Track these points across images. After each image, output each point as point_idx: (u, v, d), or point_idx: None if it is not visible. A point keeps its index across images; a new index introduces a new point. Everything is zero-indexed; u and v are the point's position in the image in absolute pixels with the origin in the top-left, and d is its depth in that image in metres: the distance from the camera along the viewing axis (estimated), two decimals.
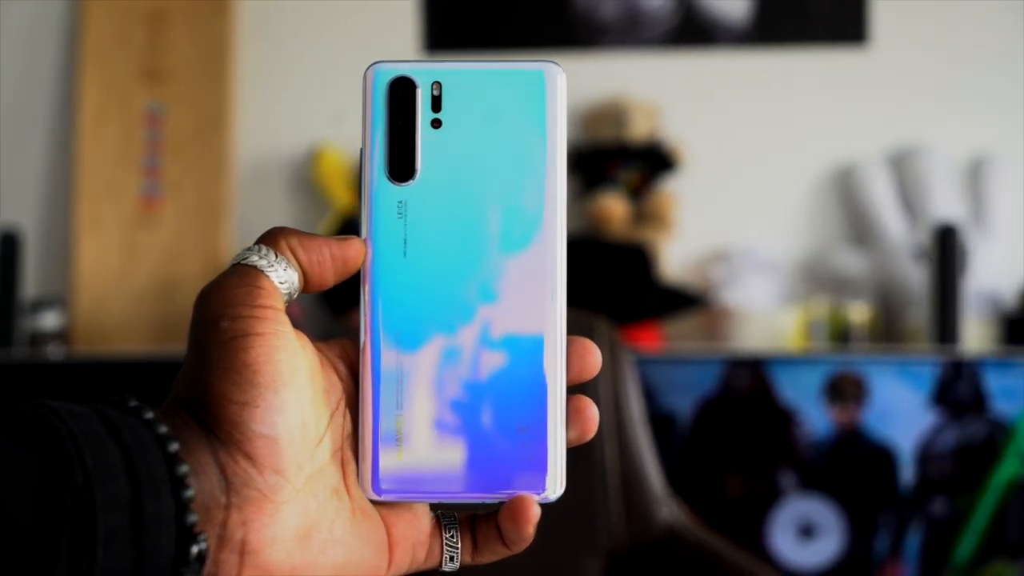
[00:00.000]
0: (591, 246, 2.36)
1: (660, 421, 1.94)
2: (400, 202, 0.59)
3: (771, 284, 2.57)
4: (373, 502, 0.58)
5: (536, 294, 0.59)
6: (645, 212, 2.55)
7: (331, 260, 0.58)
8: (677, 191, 2.59)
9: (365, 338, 0.59)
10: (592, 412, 0.60)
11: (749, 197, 2.68)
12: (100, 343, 2.55)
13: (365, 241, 0.59)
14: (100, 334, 2.56)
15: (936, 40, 2.66)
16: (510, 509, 0.58)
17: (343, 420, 0.59)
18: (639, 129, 2.57)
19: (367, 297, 0.59)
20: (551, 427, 0.59)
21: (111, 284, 2.59)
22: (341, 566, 0.56)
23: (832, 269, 2.58)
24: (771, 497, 1.97)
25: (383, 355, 0.58)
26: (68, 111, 2.69)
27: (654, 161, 2.56)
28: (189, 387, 0.55)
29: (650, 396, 1.94)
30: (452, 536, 0.60)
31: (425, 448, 0.58)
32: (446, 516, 0.61)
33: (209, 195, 2.62)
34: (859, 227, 2.61)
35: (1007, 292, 2.49)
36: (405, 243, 0.59)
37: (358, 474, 0.58)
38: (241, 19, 2.71)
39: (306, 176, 2.68)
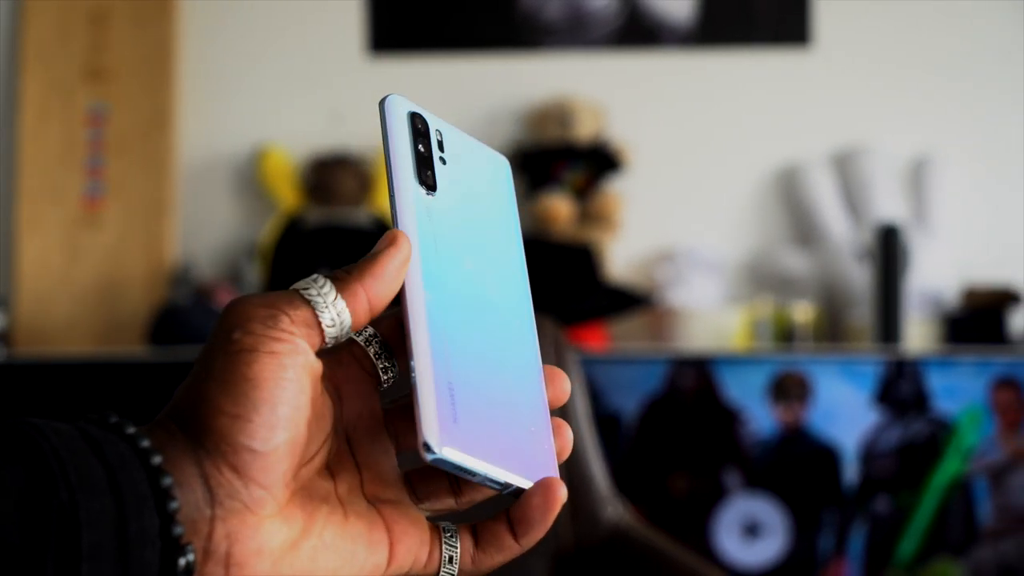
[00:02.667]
0: (536, 246, 2.36)
1: (605, 421, 1.94)
2: (428, 207, 0.61)
3: (716, 284, 2.58)
4: (436, 460, 0.57)
5: (526, 322, 0.63)
6: (590, 212, 2.56)
7: (398, 272, 0.58)
8: (622, 191, 2.60)
9: (410, 310, 0.58)
10: (569, 434, 0.61)
11: (694, 197, 2.69)
12: (42, 344, 2.53)
13: (404, 234, 0.59)
14: (42, 335, 2.54)
15: (878, 42, 2.68)
16: (541, 489, 0.58)
17: (333, 439, 0.58)
18: (584, 129, 2.57)
19: (411, 280, 0.59)
20: (551, 437, 0.61)
21: (53, 285, 2.56)
22: (333, 571, 0.55)
23: (776, 269, 2.59)
24: (716, 496, 1.97)
25: (432, 329, 0.58)
26: (9, 111, 2.66)
27: (599, 161, 2.57)
28: (187, 393, 0.54)
29: (595, 396, 1.95)
30: (451, 536, 0.59)
31: (473, 418, 0.58)
32: (443, 521, 0.60)
33: (153, 195, 2.60)
34: (803, 227, 2.63)
35: (949, 292, 2.51)
36: (436, 243, 0.60)
37: (419, 431, 0.55)
38: (185, 18, 2.70)
39: (251, 176, 2.66)
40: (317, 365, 0.56)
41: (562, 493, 0.59)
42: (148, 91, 2.63)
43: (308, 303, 0.55)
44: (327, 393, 0.59)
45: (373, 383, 0.60)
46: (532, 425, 0.60)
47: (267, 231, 2.59)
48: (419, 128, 0.62)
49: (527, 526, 0.59)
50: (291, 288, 0.56)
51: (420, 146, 0.62)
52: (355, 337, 0.60)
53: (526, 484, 0.59)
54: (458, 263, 0.61)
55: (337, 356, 0.60)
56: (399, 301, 0.59)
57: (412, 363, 0.57)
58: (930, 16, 2.67)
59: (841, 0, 2.68)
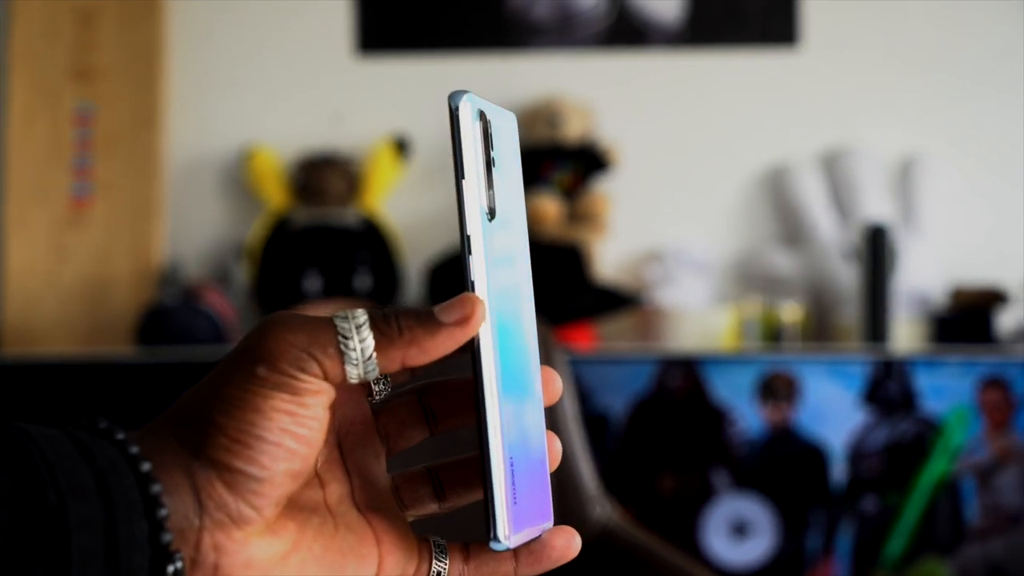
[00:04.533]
0: None
1: (594, 421, 1.94)
2: (491, 240, 0.55)
3: (704, 284, 2.59)
4: (499, 551, 0.56)
5: (534, 330, 0.60)
6: (579, 212, 2.56)
7: (451, 348, 0.55)
8: (610, 191, 2.60)
9: (483, 387, 0.55)
10: (558, 445, 0.61)
11: (682, 198, 2.69)
12: (29, 345, 2.52)
13: (482, 303, 0.55)
14: (29, 336, 2.53)
15: (866, 42, 2.69)
16: (564, 533, 0.58)
17: (323, 447, 0.57)
18: (572, 129, 2.57)
19: (478, 347, 0.55)
20: (547, 459, 0.60)
21: (41, 285, 2.56)
22: None
23: (764, 269, 2.59)
24: (704, 496, 1.98)
25: (499, 404, 0.55)
26: None
27: (587, 161, 2.56)
28: (192, 405, 0.53)
29: (584, 396, 1.95)
30: (441, 552, 0.59)
31: (523, 488, 0.57)
32: (434, 536, 0.60)
33: (140, 195, 2.59)
34: (791, 227, 2.63)
35: (936, 292, 2.52)
36: (495, 283, 0.56)
37: (494, 527, 0.55)
38: (172, 18, 2.69)
39: (239, 176, 2.66)
40: (333, 397, 0.55)
41: (579, 541, 0.59)
42: (136, 91, 2.63)
43: (340, 351, 0.53)
44: None
45: (364, 390, 0.59)
46: (539, 455, 0.59)
47: (255, 231, 2.58)
48: (486, 132, 0.56)
49: (537, 562, 0.58)
50: (329, 319, 0.54)
51: (486, 156, 0.56)
52: None
53: (546, 529, 0.59)
54: (512, 297, 0.58)
55: None
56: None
57: (484, 451, 0.55)
58: (918, 17, 2.67)
59: (829, 0, 2.68)
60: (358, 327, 0.53)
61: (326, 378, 0.53)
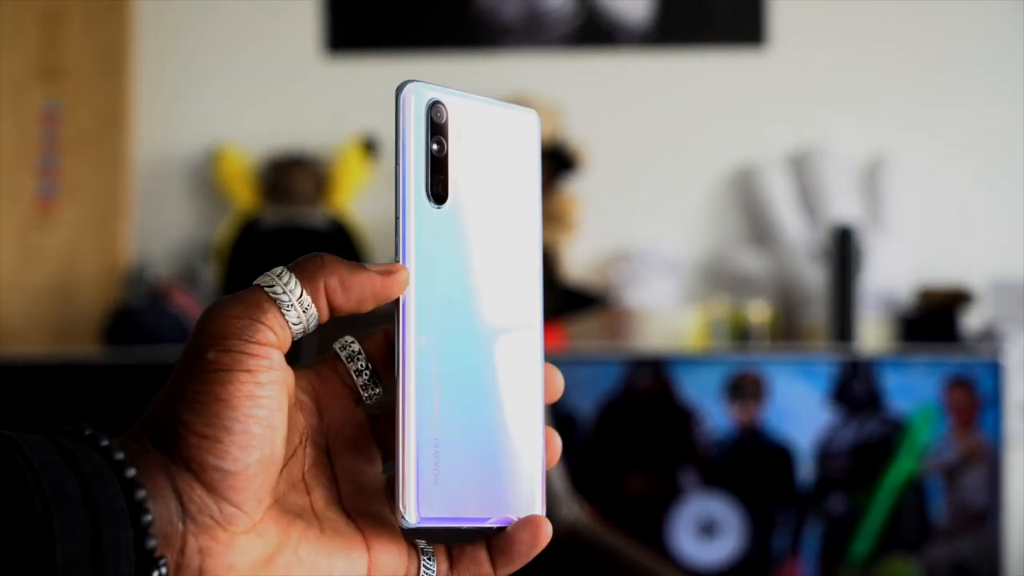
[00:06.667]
0: None
1: (562, 421, 1.94)
2: (435, 224, 0.58)
3: (672, 284, 2.59)
4: (410, 530, 0.57)
5: (531, 323, 0.62)
6: (547, 212, 2.56)
7: (373, 296, 0.56)
8: (579, 192, 2.60)
9: (401, 362, 0.56)
10: (558, 441, 0.62)
11: (650, 198, 2.70)
12: None
13: (406, 268, 0.57)
14: None
15: (834, 43, 2.70)
16: (528, 526, 0.59)
17: (306, 451, 0.58)
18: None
19: (402, 321, 0.57)
20: (540, 454, 0.60)
21: (7, 286, 2.54)
22: None
23: (732, 269, 2.60)
24: (672, 495, 1.98)
25: (421, 379, 0.56)
26: None
27: (556, 162, 2.56)
28: (159, 409, 0.54)
29: None
30: (429, 558, 0.59)
31: (455, 473, 0.57)
32: (420, 540, 0.60)
33: (107, 195, 2.58)
34: (759, 228, 2.64)
35: (903, 292, 2.53)
36: (440, 266, 0.58)
37: (396, 502, 0.56)
38: (139, 17, 2.68)
39: (206, 176, 2.65)
40: (291, 378, 0.56)
41: (547, 530, 0.59)
42: (102, 90, 2.62)
43: (274, 302, 0.55)
44: (301, 403, 0.58)
45: (353, 394, 0.60)
46: (523, 454, 0.59)
47: (223, 231, 2.58)
48: (437, 122, 0.58)
49: (509, 559, 0.59)
50: (254, 284, 0.56)
51: (436, 144, 0.58)
52: (339, 353, 0.60)
53: (509, 522, 0.59)
54: (463, 285, 0.58)
55: (317, 369, 0.60)
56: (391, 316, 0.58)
57: (396, 425, 0.56)
58: (885, 17, 2.68)
59: (797, 1, 2.69)
60: (278, 275, 0.55)
61: (275, 335, 0.54)
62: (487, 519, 0.58)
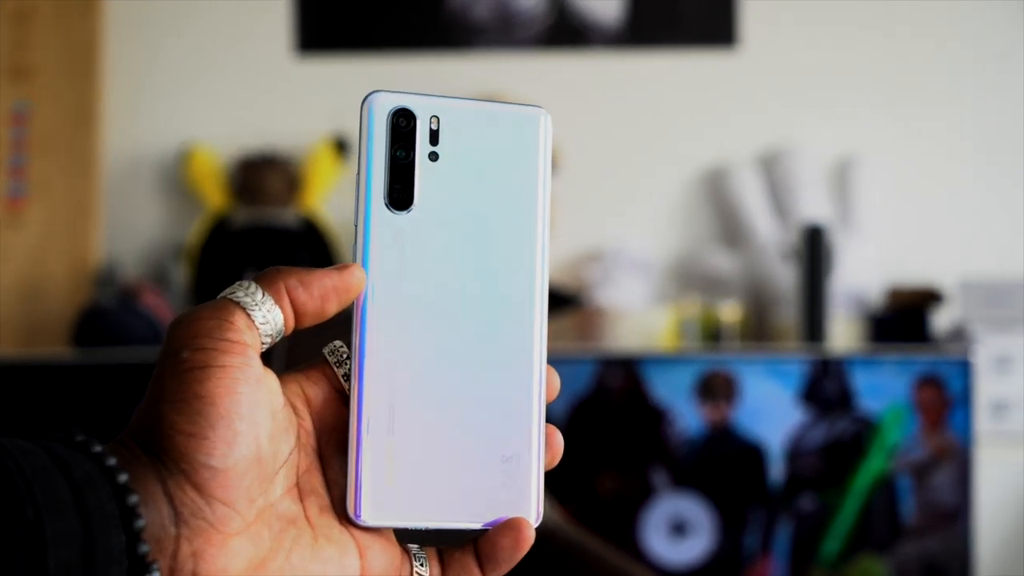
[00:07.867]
0: None
1: None
2: (397, 230, 0.59)
3: (644, 284, 2.59)
4: (361, 527, 0.57)
5: (523, 326, 0.60)
6: None
7: (334, 292, 0.58)
8: (551, 192, 2.60)
9: (356, 363, 0.58)
10: (559, 440, 0.63)
11: (622, 198, 2.70)
12: None
13: (360, 267, 0.59)
14: None
15: (804, 44, 2.71)
16: (509, 530, 0.59)
17: (299, 456, 0.58)
18: None
19: (360, 324, 0.58)
20: (535, 455, 0.61)
21: None
22: None
23: (703, 269, 2.61)
24: (644, 495, 1.98)
25: (374, 381, 0.58)
26: None
27: None
28: (144, 415, 0.54)
29: None
30: (422, 564, 0.59)
31: (414, 474, 0.58)
32: (412, 546, 0.60)
33: (77, 195, 2.57)
34: (730, 228, 2.64)
35: (873, 291, 2.54)
36: (401, 271, 0.59)
37: (347, 499, 0.57)
38: (110, 16, 2.67)
39: (177, 175, 2.64)
40: (272, 379, 0.56)
41: (530, 534, 0.59)
42: (72, 90, 2.61)
43: (238, 304, 0.56)
44: (294, 408, 0.59)
45: (343, 399, 0.60)
46: (511, 453, 0.59)
47: (194, 231, 2.57)
48: (402, 129, 0.59)
49: (495, 564, 0.59)
50: (219, 296, 0.57)
51: (400, 151, 0.59)
52: (328, 357, 0.61)
53: (479, 528, 0.59)
54: (429, 287, 0.59)
55: (306, 373, 0.60)
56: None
57: (350, 425, 0.57)
58: (855, 18, 2.69)
59: (768, 1, 2.70)
60: (240, 283, 0.57)
61: (244, 334, 0.55)
62: (452, 521, 0.58)
